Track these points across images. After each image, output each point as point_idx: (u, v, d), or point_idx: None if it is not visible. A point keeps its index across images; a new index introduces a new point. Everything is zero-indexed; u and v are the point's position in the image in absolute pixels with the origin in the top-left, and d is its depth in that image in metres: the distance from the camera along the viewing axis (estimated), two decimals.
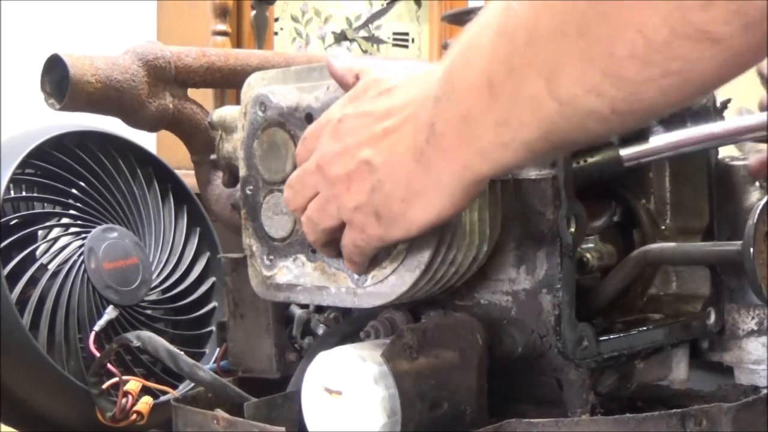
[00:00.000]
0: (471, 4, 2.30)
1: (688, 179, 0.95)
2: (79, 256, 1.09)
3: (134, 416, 0.96)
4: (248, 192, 0.86)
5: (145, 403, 0.97)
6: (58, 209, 1.13)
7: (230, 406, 0.83)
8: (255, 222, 0.86)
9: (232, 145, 0.92)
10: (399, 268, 0.76)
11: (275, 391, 0.83)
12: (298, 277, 0.83)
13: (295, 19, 2.18)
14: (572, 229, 0.80)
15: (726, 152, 0.99)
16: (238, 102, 0.88)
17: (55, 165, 1.12)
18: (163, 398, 1.02)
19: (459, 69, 0.64)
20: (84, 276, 1.08)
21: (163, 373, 1.10)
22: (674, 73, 0.53)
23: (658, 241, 0.93)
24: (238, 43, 1.87)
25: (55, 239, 1.12)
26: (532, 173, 0.80)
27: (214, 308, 1.22)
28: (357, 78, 0.75)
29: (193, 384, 0.97)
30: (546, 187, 0.80)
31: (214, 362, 1.01)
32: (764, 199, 0.83)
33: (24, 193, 1.11)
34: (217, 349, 1.03)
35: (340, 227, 0.74)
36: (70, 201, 1.13)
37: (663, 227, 0.95)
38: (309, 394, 0.75)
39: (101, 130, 1.18)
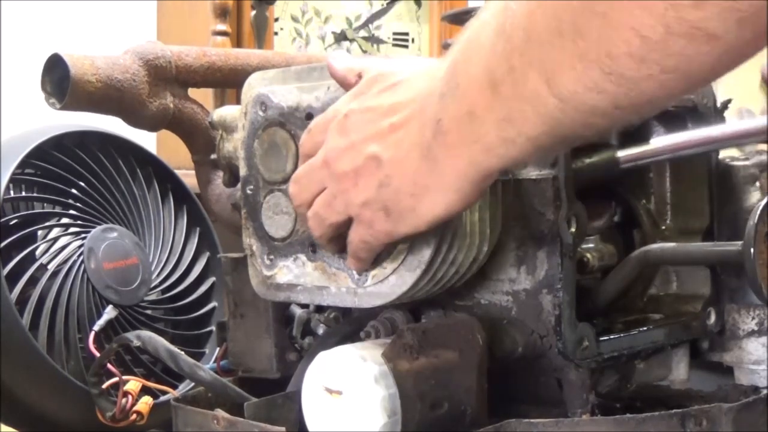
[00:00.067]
0: (471, 4, 2.30)
1: (689, 179, 0.95)
2: (79, 256, 1.08)
3: (134, 416, 0.96)
4: (248, 192, 0.86)
5: (145, 403, 0.96)
6: (58, 209, 1.13)
7: (230, 406, 0.83)
8: (255, 222, 0.86)
9: (233, 145, 0.92)
10: (399, 268, 0.76)
11: (275, 391, 0.83)
12: (298, 276, 0.83)
13: (295, 19, 2.18)
14: (572, 230, 0.80)
15: (726, 153, 0.99)
16: (238, 102, 0.88)
17: (55, 165, 1.12)
18: (163, 398, 1.02)
19: (462, 66, 0.64)
20: (84, 276, 1.08)
21: (163, 373, 1.10)
22: (672, 69, 0.54)
23: (658, 241, 0.93)
24: (238, 43, 1.87)
25: (55, 239, 1.12)
26: (533, 173, 0.80)
27: (214, 308, 1.22)
28: (359, 77, 0.75)
29: (193, 384, 0.97)
30: (546, 187, 0.80)
31: (214, 362, 1.01)
32: (764, 200, 0.83)
33: (24, 193, 1.11)
34: (217, 349, 1.03)
35: (347, 223, 0.74)
36: (70, 201, 1.13)
37: (663, 227, 0.95)
38: (309, 394, 0.75)
39: (101, 130, 1.18)
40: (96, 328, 1.05)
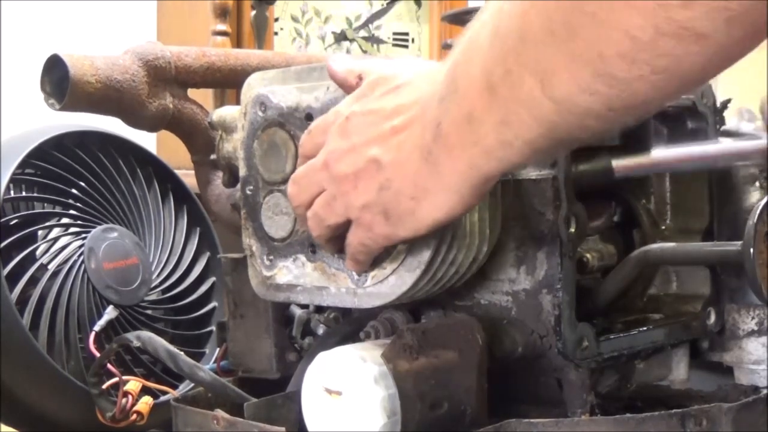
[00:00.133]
0: (471, 4, 2.30)
1: (689, 179, 0.95)
2: (79, 256, 1.08)
3: (134, 416, 0.96)
4: (248, 192, 0.86)
5: (145, 403, 0.96)
6: (58, 209, 1.13)
7: (230, 406, 0.83)
8: (255, 222, 0.86)
9: (232, 145, 0.92)
10: (399, 269, 0.76)
11: (275, 391, 0.83)
12: (298, 277, 0.83)
13: (295, 19, 2.18)
14: (572, 230, 0.80)
15: None
16: (238, 102, 0.88)
17: (55, 165, 1.12)
18: (163, 398, 1.01)
19: (461, 69, 0.64)
20: (84, 276, 1.08)
21: (163, 373, 1.10)
22: (663, 70, 0.54)
23: (658, 241, 0.93)
24: (238, 43, 1.87)
25: (55, 239, 1.12)
26: (532, 173, 0.80)
27: (214, 308, 1.22)
28: (360, 78, 0.75)
29: (193, 384, 0.97)
30: (546, 187, 0.80)
31: (214, 362, 1.01)
32: (764, 200, 0.83)
33: (24, 193, 1.11)
34: (217, 349, 1.03)
35: (346, 224, 0.74)
36: (70, 201, 1.13)
37: (663, 227, 0.95)
38: (309, 394, 0.75)
39: (101, 130, 1.18)
40: (96, 328, 1.05)
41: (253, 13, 1.92)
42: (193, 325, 1.20)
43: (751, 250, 0.80)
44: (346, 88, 0.77)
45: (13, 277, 1.04)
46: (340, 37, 2.25)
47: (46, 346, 1.03)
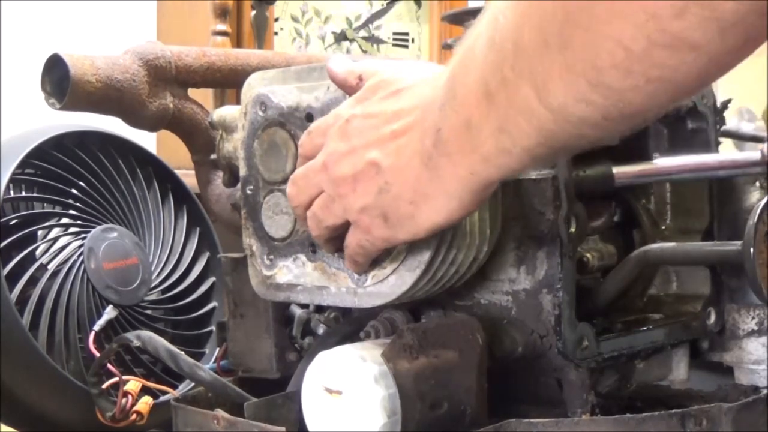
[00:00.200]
0: (471, 4, 2.30)
1: (689, 180, 0.95)
2: (79, 256, 1.08)
3: (134, 416, 0.96)
4: (248, 192, 0.86)
5: (145, 403, 0.96)
6: (58, 209, 1.13)
7: (230, 406, 0.83)
8: (255, 222, 0.86)
9: (233, 145, 0.92)
10: (399, 268, 0.76)
11: (275, 391, 0.83)
12: (298, 276, 0.83)
13: (295, 19, 2.18)
14: (572, 229, 0.80)
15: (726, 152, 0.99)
16: (238, 102, 0.88)
17: (55, 165, 1.12)
18: (163, 398, 1.02)
19: (459, 76, 0.65)
20: (84, 276, 1.08)
21: (163, 373, 1.10)
22: (658, 80, 0.54)
23: (658, 241, 0.93)
24: (238, 43, 1.87)
25: (55, 239, 1.12)
26: (532, 173, 0.80)
27: (214, 308, 1.22)
28: (360, 79, 0.75)
29: (193, 384, 0.97)
30: (546, 187, 0.80)
31: (214, 362, 1.01)
32: (764, 199, 0.83)
33: (24, 193, 1.11)
34: (217, 349, 1.03)
35: (345, 225, 0.75)
36: (70, 201, 1.13)
37: (663, 227, 0.95)
38: (309, 394, 0.75)
39: (101, 130, 1.18)
40: (96, 328, 1.05)
41: (253, 13, 1.92)
42: (193, 325, 1.20)
43: (751, 250, 0.80)
44: (347, 88, 0.77)
45: (13, 277, 1.04)
46: (340, 37, 2.25)
47: (45, 346, 1.03)
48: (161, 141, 1.71)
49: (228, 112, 0.93)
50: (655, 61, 0.53)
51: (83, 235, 1.10)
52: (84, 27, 2.10)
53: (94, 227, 1.11)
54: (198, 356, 1.16)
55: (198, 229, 1.24)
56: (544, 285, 0.80)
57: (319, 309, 0.93)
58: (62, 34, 2.07)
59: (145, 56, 1.15)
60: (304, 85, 0.82)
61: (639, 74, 0.54)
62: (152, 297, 1.17)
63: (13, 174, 1.05)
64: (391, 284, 0.77)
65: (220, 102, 1.53)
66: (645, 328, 0.88)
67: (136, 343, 0.92)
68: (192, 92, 1.22)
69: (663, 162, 0.88)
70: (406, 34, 2.34)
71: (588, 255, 0.87)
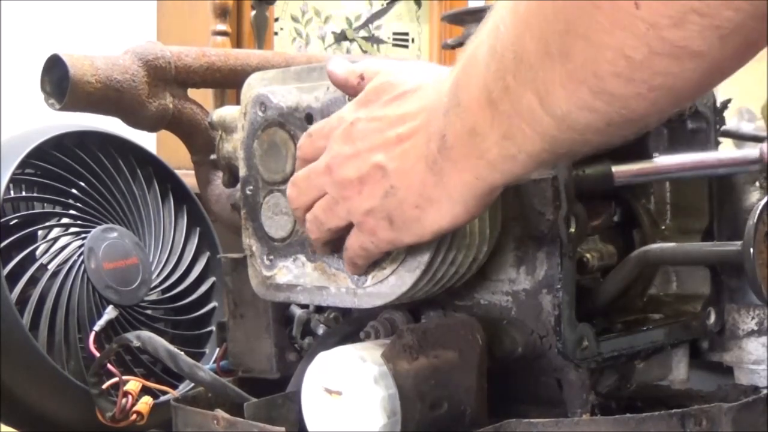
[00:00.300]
0: (471, 4, 2.30)
1: (688, 179, 0.95)
2: (79, 256, 1.08)
3: (134, 416, 0.96)
4: (248, 192, 0.86)
5: (145, 403, 0.96)
6: (58, 209, 1.13)
7: (230, 406, 0.83)
8: (255, 222, 0.86)
9: (232, 145, 0.92)
10: (399, 269, 0.76)
11: (275, 391, 0.83)
12: (298, 277, 0.83)
13: (295, 19, 2.18)
14: (572, 229, 0.80)
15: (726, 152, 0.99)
16: (238, 102, 0.88)
17: (55, 165, 1.12)
18: (163, 398, 1.02)
19: (463, 83, 0.65)
20: (84, 276, 1.08)
21: (163, 373, 1.10)
22: (659, 87, 0.54)
23: (658, 241, 0.93)
24: (238, 43, 1.87)
25: (55, 239, 1.12)
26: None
27: (214, 308, 1.22)
28: (362, 78, 0.75)
29: (193, 384, 0.97)
30: (546, 187, 0.80)
31: (214, 362, 1.01)
32: (764, 199, 0.83)
33: (24, 193, 1.11)
34: (217, 349, 1.03)
35: (346, 228, 0.75)
36: (70, 201, 1.13)
37: (663, 227, 0.95)
38: (309, 394, 0.75)
39: (101, 130, 1.18)
40: (96, 328, 1.05)
41: (253, 13, 1.92)
42: (193, 325, 1.20)
43: (751, 250, 0.80)
44: (348, 89, 0.77)
45: (13, 277, 1.04)
46: (340, 37, 2.25)
47: (46, 346, 1.03)
48: (161, 141, 1.71)
49: (228, 113, 0.93)
50: (657, 69, 0.53)
51: (83, 235, 1.10)
52: (84, 27, 2.10)
53: (94, 227, 1.11)
54: (198, 356, 1.16)
55: (198, 229, 1.24)
56: (544, 285, 0.80)
57: (319, 309, 0.93)
58: (62, 34, 2.07)
59: (145, 56, 1.15)
60: (304, 86, 0.82)
61: (641, 82, 0.54)
62: (152, 297, 1.17)
63: (13, 174, 1.05)
64: (390, 285, 0.77)
65: (220, 102, 1.53)
66: (645, 328, 0.88)
67: (136, 343, 0.92)
68: (192, 92, 1.22)
69: (662, 160, 0.88)
70: (406, 34, 2.34)
71: (588, 255, 0.87)
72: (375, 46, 2.30)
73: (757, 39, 0.51)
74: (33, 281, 1.06)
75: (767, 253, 0.82)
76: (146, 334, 0.92)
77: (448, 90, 0.66)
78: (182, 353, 0.89)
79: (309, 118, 0.81)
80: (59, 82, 1.10)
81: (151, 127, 1.19)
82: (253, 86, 0.86)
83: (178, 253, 1.21)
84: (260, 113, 0.84)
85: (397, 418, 0.71)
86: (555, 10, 0.55)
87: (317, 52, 2.17)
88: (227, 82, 1.23)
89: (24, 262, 1.06)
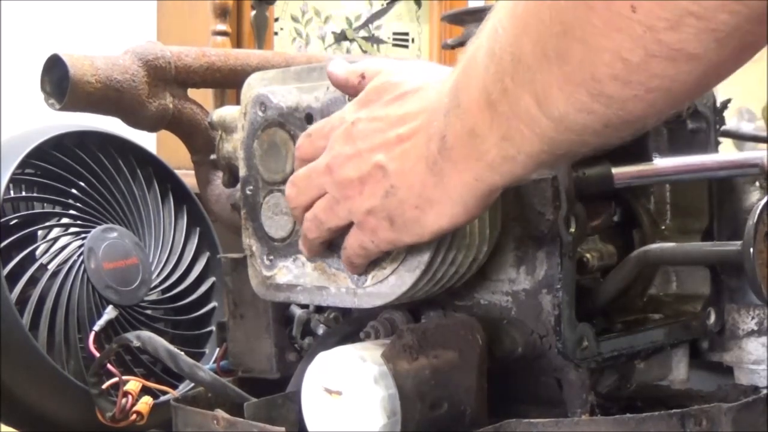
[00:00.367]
0: (471, 4, 2.30)
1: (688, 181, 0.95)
2: (79, 256, 1.08)
3: (134, 416, 0.96)
4: (248, 192, 0.86)
5: (145, 403, 0.96)
6: (58, 209, 1.13)
7: (230, 406, 0.83)
8: (255, 222, 0.86)
9: (232, 145, 0.92)
10: (399, 269, 0.76)
11: (275, 391, 0.83)
12: (298, 277, 0.83)
13: (295, 19, 2.18)
14: (572, 229, 0.80)
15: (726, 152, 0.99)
16: (238, 102, 0.88)
17: (55, 165, 1.12)
18: (163, 398, 1.02)
19: (463, 85, 0.65)
20: (84, 276, 1.08)
21: (163, 373, 1.10)
22: (656, 89, 0.54)
23: (658, 241, 0.93)
24: (238, 43, 1.87)
25: (55, 239, 1.12)
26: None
27: (214, 308, 1.22)
28: (363, 77, 0.75)
29: (193, 384, 0.97)
30: (546, 187, 0.80)
31: (214, 362, 1.01)
32: (764, 199, 0.83)
33: (24, 193, 1.11)
34: (217, 349, 1.03)
35: (346, 228, 0.75)
36: (70, 201, 1.13)
37: (663, 227, 0.95)
38: (309, 394, 0.75)
39: (101, 130, 1.18)
40: (96, 328, 1.05)
41: (253, 13, 1.92)
42: (193, 325, 1.20)
43: (751, 250, 0.80)
44: (349, 89, 0.77)
45: (13, 277, 1.04)
46: (340, 37, 2.25)
47: (45, 346, 1.03)
48: (161, 141, 1.71)
49: (228, 113, 0.93)
50: (654, 71, 0.53)
51: (83, 235, 1.10)
52: (84, 27, 2.10)
53: (94, 227, 1.11)
54: (198, 356, 1.16)
55: (198, 229, 1.24)
56: (543, 285, 0.80)
57: (319, 309, 0.93)
58: (62, 34, 2.07)
59: (145, 56, 1.15)
60: (304, 86, 0.82)
61: (638, 84, 0.54)
62: (152, 297, 1.17)
63: (13, 174, 1.05)
64: (390, 285, 0.77)
65: (220, 102, 1.53)
66: (645, 328, 0.88)
67: (136, 343, 0.92)
68: (192, 92, 1.22)
69: (662, 163, 0.88)
70: (406, 34, 2.34)
71: (588, 255, 0.87)
72: (375, 46, 2.30)
73: (753, 41, 0.52)
74: (33, 281, 1.06)
75: (767, 253, 0.82)
76: (146, 334, 0.92)
77: (448, 91, 0.67)
78: (182, 353, 0.89)
79: (309, 118, 0.81)
80: (59, 82, 1.10)
81: (151, 127, 1.19)
82: (253, 86, 0.86)
83: (178, 253, 1.21)
84: (260, 113, 0.84)
85: (397, 418, 0.71)
86: (552, 12, 0.56)
87: (317, 52, 2.17)
88: (227, 82, 1.23)
89: (24, 262, 1.06)
